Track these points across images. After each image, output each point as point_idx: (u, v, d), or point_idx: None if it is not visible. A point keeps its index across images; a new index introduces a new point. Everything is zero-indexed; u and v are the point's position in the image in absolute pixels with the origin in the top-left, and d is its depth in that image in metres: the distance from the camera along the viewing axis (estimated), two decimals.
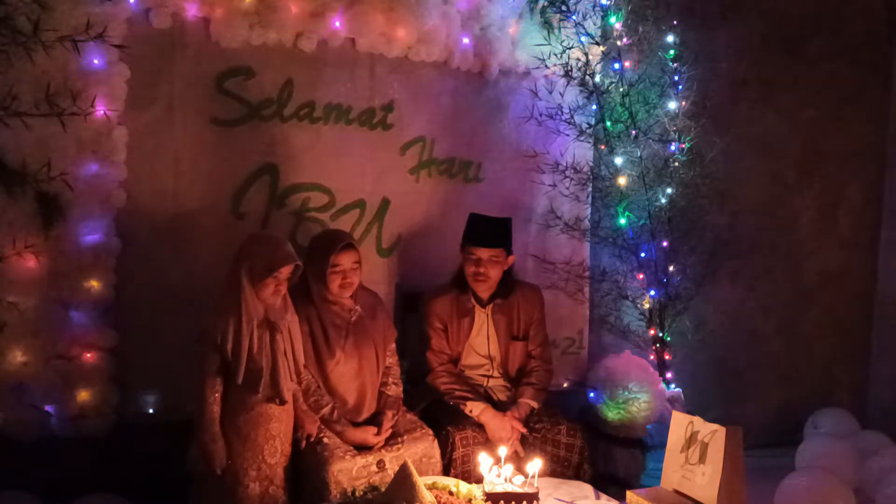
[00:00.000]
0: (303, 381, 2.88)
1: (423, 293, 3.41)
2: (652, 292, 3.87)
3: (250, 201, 3.32)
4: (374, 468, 2.80)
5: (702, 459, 2.65)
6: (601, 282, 4.00)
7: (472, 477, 2.94)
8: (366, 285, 3.22)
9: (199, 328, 2.65)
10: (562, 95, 3.80)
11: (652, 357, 3.91)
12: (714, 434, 2.63)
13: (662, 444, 2.89)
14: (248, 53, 3.23)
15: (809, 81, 4.71)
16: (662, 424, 3.53)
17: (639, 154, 3.80)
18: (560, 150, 3.89)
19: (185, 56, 3.14)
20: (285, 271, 2.67)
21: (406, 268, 3.69)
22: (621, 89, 3.77)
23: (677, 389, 3.86)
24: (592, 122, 3.91)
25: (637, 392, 3.55)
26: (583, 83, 3.79)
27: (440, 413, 3.20)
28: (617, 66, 3.77)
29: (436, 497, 2.49)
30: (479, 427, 3.13)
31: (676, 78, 3.84)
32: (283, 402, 2.70)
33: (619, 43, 3.77)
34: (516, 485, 2.62)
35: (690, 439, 2.72)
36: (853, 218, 4.92)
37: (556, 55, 3.76)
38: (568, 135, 3.85)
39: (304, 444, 2.80)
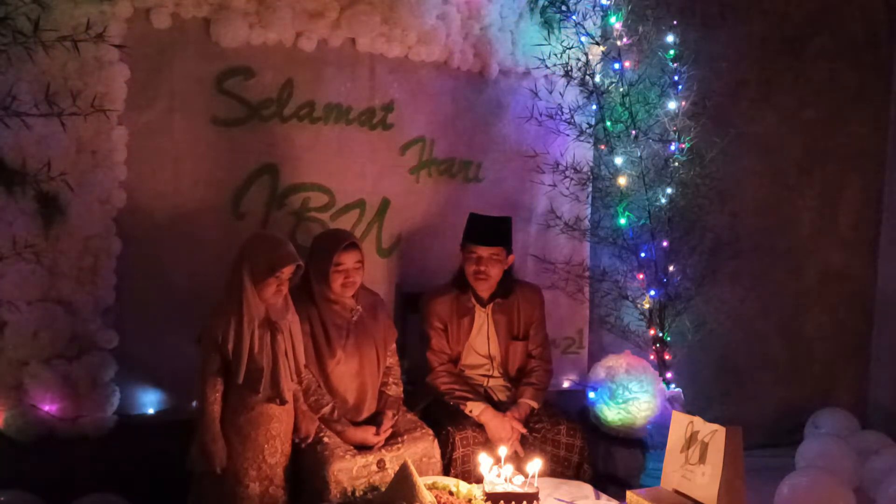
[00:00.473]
0: (303, 381, 2.88)
1: (423, 293, 3.41)
2: (652, 292, 3.87)
3: (250, 201, 3.32)
4: (374, 468, 2.80)
5: (702, 459, 2.65)
6: (601, 282, 4.01)
7: (472, 477, 2.94)
8: (366, 285, 3.22)
9: (200, 328, 2.65)
10: (562, 95, 3.80)
11: (652, 357, 3.91)
12: (714, 434, 2.63)
13: (662, 444, 2.89)
14: (248, 53, 3.23)
15: (809, 81, 4.71)
16: (662, 424, 3.53)
17: (639, 154, 3.80)
18: (560, 150, 3.89)
19: (185, 56, 3.14)
20: (287, 271, 2.67)
21: (406, 268, 3.69)
22: (621, 89, 3.77)
23: (677, 389, 3.86)
24: (592, 122, 3.91)
25: (637, 392, 3.55)
26: (583, 83, 3.79)
27: (440, 413, 3.20)
28: (617, 66, 3.77)
29: (436, 497, 2.50)
30: (479, 427, 3.13)
31: (676, 78, 3.84)
32: (283, 403, 2.70)
33: (619, 43, 3.77)
34: (516, 485, 2.62)
35: (690, 439, 2.72)
36: (853, 218, 4.92)
37: (556, 55, 3.76)
38: (568, 135, 3.85)
39: (303, 445, 2.80)
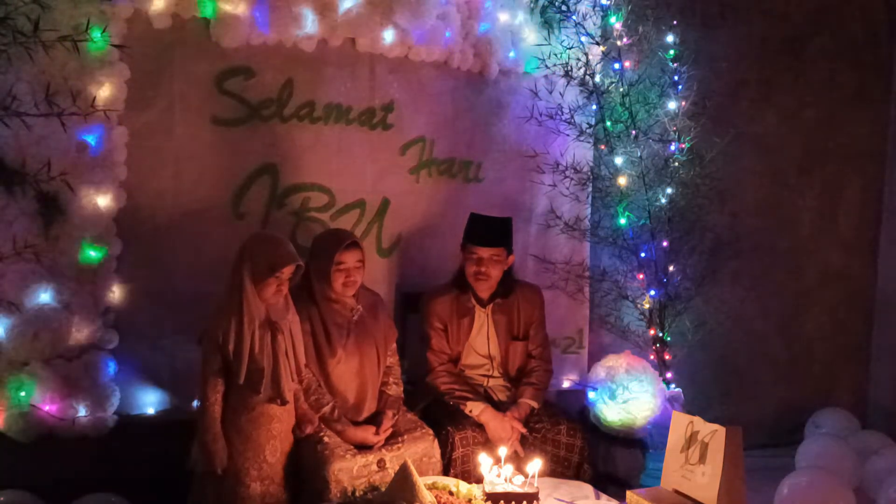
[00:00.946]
0: (303, 380, 2.88)
1: (423, 293, 3.41)
2: (652, 292, 3.87)
3: (250, 201, 3.32)
4: (374, 467, 2.80)
5: (702, 459, 2.65)
6: (601, 282, 4.01)
7: (472, 477, 2.93)
8: (366, 285, 3.22)
9: (200, 328, 2.65)
10: (562, 95, 3.80)
11: (652, 357, 3.91)
12: (714, 434, 2.63)
13: (662, 444, 2.89)
14: (248, 53, 3.23)
15: (809, 81, 4.71)
16: (662, 424, 3.53)
17: (639, 154, 3.80)
18: (560, 150, 3.89)
19: (185, 56, 3.14)
20: (287, 271, 2.67)
21: (406, 268, 3.69)
22: (621, 89, 3.77)
23: (677, 389, 3.86)
24: (592, 122, 3.91)
25: (637, 392, 3.55)
26: (583, 83, 3.80)
27: (440, 413, 3.20)
28: (617, 66, 3.77)
29: (436, 497, 2.49)
30: (479, 427, 3.13)
31: (676, 78, 3.84)
32: (284, 403, 2.70)
33: (619, 43, 3.77)
34: (516, 485, 2.62)
35: (690, 439, 2.72)
36: (853, 218, 4.92)
37: (556, 55, 3.76)
38: (568, 135, 3.85)
39: (300, 434, 2.80)
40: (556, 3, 3.75)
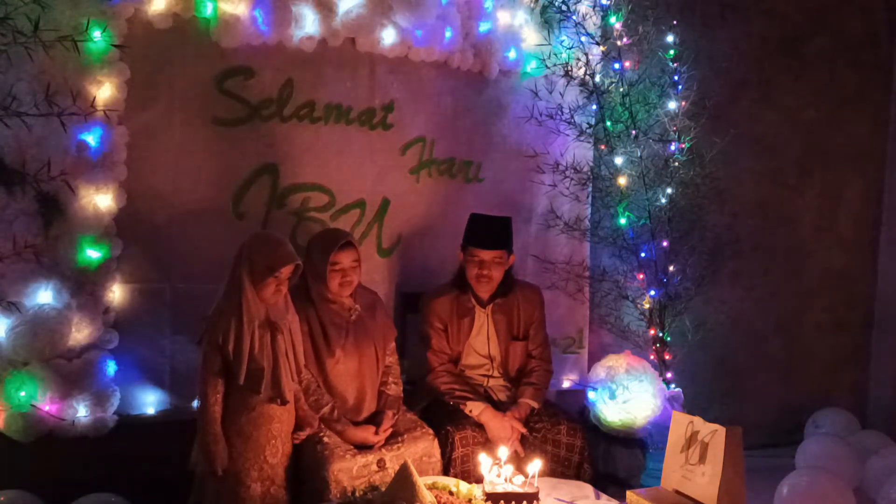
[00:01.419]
0: (303, 381, 2.88)
1: (423, 293, 3.41)
2: (652, 292, 3.87)
3: (250, 201, 3.32)
4: (374, 467, 2.79)
5: (702, 459, 2.65)
6: (601, 282, 4.01)
7: (472, 477, 2.93)
8: (366, 285, 3.22)
9: (200, 328, 2.65)
10: (562, 95, 3.81)
11: (652, 357, 3.91)
12: (714, 434, 2.63)
13: (662, 444, 2.89)
14: (248, 53, 3.23)
15: (809, 81, 4.71)
16: (662, 424, 3.53)
17: (639, 154, 3.80)
18: (560, 150, 3.89)
19: (185, 56, 3.14)
20: (286, 271, 2.67)
21: (406, 268, 3.69)
22: (621, 89, 3.77)
23: (677, 389, 3.86)
24: (592, 122, 3.92)
25: (637, 392, 3.55)
26: (583, 83, 3.80)
27: (440, 413, 3.20)
28: (617, 66, 3.77)
29: (436, 497, 2.49)
30: (479, 427, 3.13)
31: (676, 78, 3.84)
32: (284, 403, 2.70)
33: (619, 43, 3.77)
34: (516, 485, 2.62)
35: (690, 439, 2.72)
36: (853, 218, 4.92)
37: (556, 55, 3.76)
38: (568, 135, 3.85)
39: (298, 438, 2.80)
40: (556, 3, 3.75)
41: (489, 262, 3.21)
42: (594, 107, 3.86)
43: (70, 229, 2.91)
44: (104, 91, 2.93)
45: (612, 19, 3.78)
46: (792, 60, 4.66)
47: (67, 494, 2.83)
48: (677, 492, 2.72)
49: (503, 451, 2.77)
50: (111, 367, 3.01)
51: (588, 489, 2.94)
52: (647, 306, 3.91)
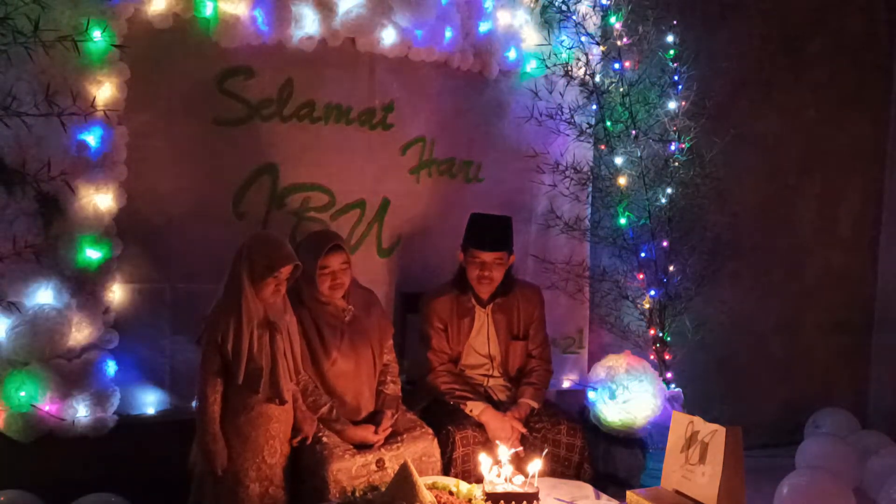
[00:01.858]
0: (300, 382, 2.88)
1: (423, 293, 3.41)
2: (652, 292, 3.87)
3: (250, 201, 3.31)
4: (373, 467, 2.79)
5: (702, 459, 2.65)
6: (601, 282, 4.00)
7: (472, 477, 2.93)
8: (366, 285, 3.22)
9: (199, 328, 2.65)
10: (562, 95, 3.80)
11: (652, 357, 3.91)
12: (714, 434, 2.63)
13: (662, 444, 2.89)
14: (248, 53, 3.22)
15: (809, 81, 4.71)
16: (662, 424, 3.53)
17: (639, 154, 3.80)
18: (560, 150, 3.89)
19: (185, 56, 3.14)
20: (285, 271, 2.67)
21: (406, 268, 3.69)
22: (621, 89, 3.77)
23: (677, 389, 3.86)
24: (592, 122, 3.92)
25: (637, 392, 3.55)
26: (583, 83, 3.80)
27: (440, 413, 3.20)
28: (617, 66, 3.77)
29: (436, 497, 2.49)
30: (480, 427, 3.13)
31: (676, 78, 3.84)
32: (282, 403, 2.70)
33: (619, 43, 3.77)
34: (516, 485, 2.61)
35: (690, 439, 2.72)
36: (853, 218, 4.92)
37: (556, 55, 3.76)
38: (568, 135, 3.85)
39: (294, 442, 2.80)
40: (556, 3, 3.75)
41: (490, 264, 3.22)
42: (594, 107, 3.86)
43: (70, 229, 2.90)
44: (104, 91, 2.93)
45: (612, 19, 3.78)
46: (792, 60, 4.66)
47: (67, 494, 2.83)
48: (677, 492, 2.72)
49: (504, 451, 2.77)
50: (111, 367, 3.01)
51: (588, 489, 2.94)
52: (647, 306, 3.91)
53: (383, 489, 2.46)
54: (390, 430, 2.97)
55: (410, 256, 3.69)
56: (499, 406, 3.26)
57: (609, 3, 3.79)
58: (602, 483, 3.16)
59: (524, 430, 3.15)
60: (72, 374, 2.90)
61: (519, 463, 2.85)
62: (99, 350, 2.98)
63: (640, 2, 3.80)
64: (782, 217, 4.72)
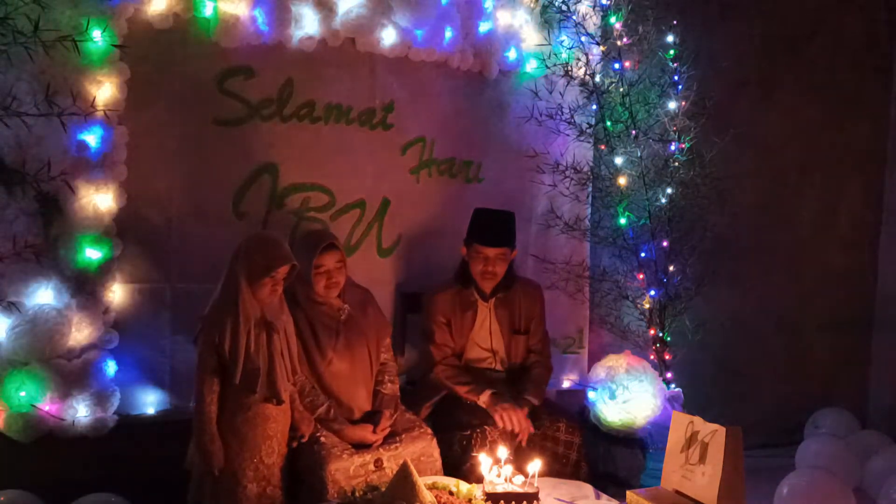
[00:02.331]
0: (297, 382, 2.87)
1: (423, 293, 3.41)
2: (652, 292, 3.87)
3: (250, 201, 3.31)
4: (371, 467, 2.79)
5: (702, 459, 2.65)
6: (601, 282, 4.00)
7: (473, 477, 2.93)
8: (366, 285, 3.21)
9: (196, 328, 2.65)
10: (562, 95, 3.80)
11: (652, 357, 3.91)
12: (714, 434, 2.63)
13: (662, 444, 2.89)
14: (248, 53, 3.22)
15: (809, 81, 4.71)
16: (662, 424, 3.53)
17: (639, 154, 3.81)
18: (560, 150, 3.89)
19: (185, 56, 3.13)
20: (282, 271, 2.67)
21: (406, 268, 3.69)
22: (621, 89, 3.77)
23: (677, 389, 3.86)
24: (592, 122, 3.92)
25: (637, 392, 3.55)
26: (583, 83, 3.80)
27: (453, 411, 3.20)
28: (617, 66, 3.77)
29: (436, 497, 2.49)
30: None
31: (676, 78, 3.84)
32: (280, 402, 2.70)
33: (619, 43, 3.77)
34: (516, 485, 2.61)
35: (690, 439, 2.71)
36: (853, 218, 4.92)
37: (556, 55, 3.76)
38: (568, 135, 3.85)
39: (294, 444, 2.80)
40: (556, 3, 3.75)
41: (493, 259, 3.24)
42: (594, 107, 3.86)
43: (70, 229, 2.90)
44: (104, 91, 2.93)
45: (612, 19, 3.78)
46: (792, 60, 4.66)
47: (67, 494, 2.83)
48: (677, 492, 2.72)
49: (503, 452, 2.77)
50: (111, 367, 3.01)
51: (588, 489, 2.94)
52: (647, 306, 3.91)
53: (382, 489, 2.46)
54: (389, 429, 2.97)
55: (410, 256, 3.69)
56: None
57: (609, 3, 3.79)
58: (602, 483, 3.16)
59: (532, 429, 3.14)
60: (72, 374, 2.90)
61: (519, 463, 2.85)
62: (99, 350, 2.98)
63: (640, 2, 3.80)
64: (782, 217, 4.72)
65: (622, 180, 3.79)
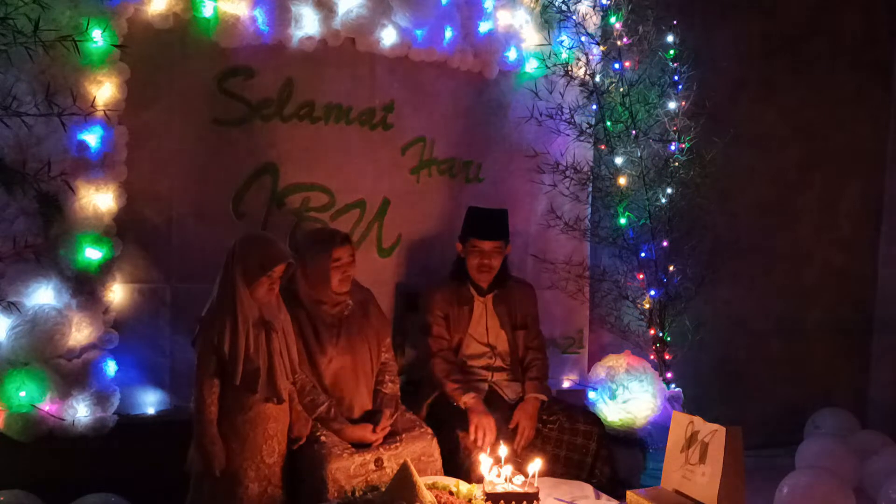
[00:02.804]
0: (297, 382, 2.87)
1: (422, 292, 3.41)
2: (652, 292, 3.87)
3: (250, 201, 3.31)
4: (371, 466, 2.79)
5: (702, 459, 2.65)
6: (601, 282, 4.01)
7: (473, 477, 2.93)
8: (366, 285, 3.22)
9: (195, 330, 2.65)
10: (562, 95, 3.81)
11: (652, 357, 3.91)
12: (714, 434, 2.63)
13: (662, 444, 2.89)
14: (248, 53, 3.22)
15: (809, 81, 4.71)
16: (662, 424, 3.53)
17: (639, 154, 3.81)
18: (560, 150, 3.89)
19: (185, 56, 3.14)
20: (279, 270, 2.67)
21: (406, 268, 3.69)
22: (621, 89, 3.77)
23: (677, 389, 3.86)
24: (592, 122, 3.92)
25: (637, 392, 3.55)
26: (583, 83, 3.80)
27: (446, 411, 3.20)
28: (617, 66, 3.77)
29: (436, 497, 2.49)
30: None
31: (676, 78, 3.84)
32: (280, 402, 2.70)
33: (619, 43, 3.77)
34: (516, 485, 2.61)
35: (690, 439, 2.71)
36: (853, 218, 4.92)
37: (556, 55, 3.76)
38: (568, 135, 3.85)
39: (294, 447, 2.81)
40: (556, 3, 3.75)
41: (490, 252, 3.28)
42: (594, 107, 3.86)
43: (70, 229, 2.90)
44: (104, 91, 2.92)
45: (612, 19, 3.78)
46: (792, 60, 4.66)
47: (67, 494, 2.83)
48: (677, 492, 2.72)
49: (503, 451, 2.77)
50: (111, 367, 3.01)
51: (588, 489, 2.94)
52: (647, 306, 3.91)
53: (383, 489, 2.46)
54: (389, 429, 2.97)
55: (410, 256, 3.69)
56: (506, 403, 3.26)
57: (609, 3, 3.79)
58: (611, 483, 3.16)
59: (531, 434, 3.15)
60: (72, 374, 2.90)
61: (520, 463, 2.85)
62: (99, 350, 2.98)
63: (640, 2, 3.80)
64: (782, 217, 4.72)
65: (622, 180, 3.79)
